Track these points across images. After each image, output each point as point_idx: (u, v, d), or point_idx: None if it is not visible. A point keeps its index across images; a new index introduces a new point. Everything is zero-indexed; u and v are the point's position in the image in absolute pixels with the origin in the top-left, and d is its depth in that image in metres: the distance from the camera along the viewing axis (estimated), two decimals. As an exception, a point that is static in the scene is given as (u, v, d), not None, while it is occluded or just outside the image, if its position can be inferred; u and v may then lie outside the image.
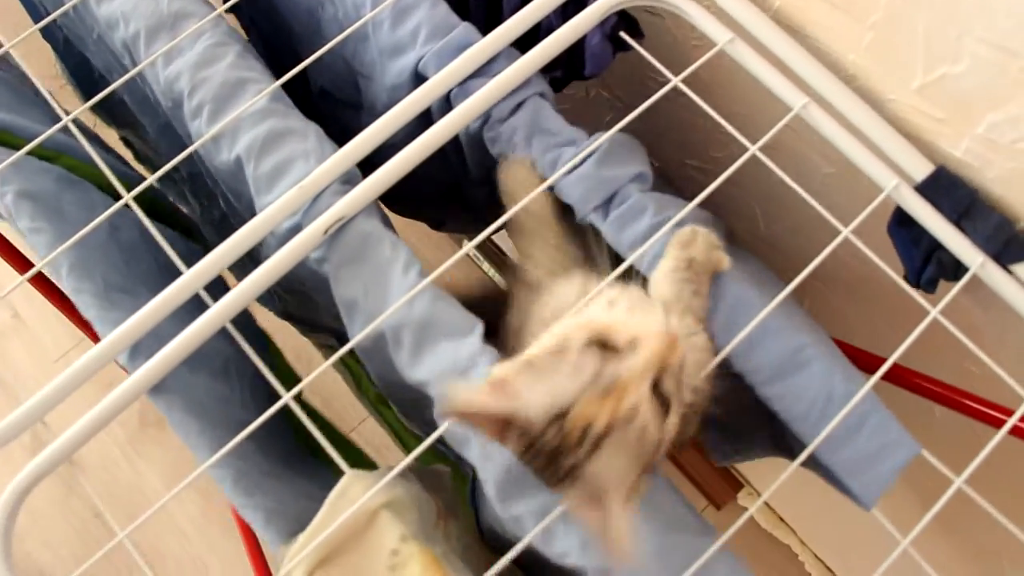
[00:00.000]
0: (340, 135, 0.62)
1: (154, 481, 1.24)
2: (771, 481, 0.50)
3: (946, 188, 0.58)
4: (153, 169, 0.93)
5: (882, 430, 0.51)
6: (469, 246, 0.59)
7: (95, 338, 0.61)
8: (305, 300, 0.81)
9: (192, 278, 0.57)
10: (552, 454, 0.41)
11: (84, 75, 0.90)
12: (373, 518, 0.52)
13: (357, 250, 0.56)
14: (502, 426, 0.42)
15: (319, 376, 0.55)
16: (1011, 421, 0.54)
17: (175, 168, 0.60)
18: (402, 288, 0.54)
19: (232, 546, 1.23)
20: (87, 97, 0.94)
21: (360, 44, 0.70)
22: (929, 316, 0.54)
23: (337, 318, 0.67)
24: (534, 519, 0.50)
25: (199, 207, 0.89)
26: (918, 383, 0.63)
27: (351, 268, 0.56)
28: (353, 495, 0.52)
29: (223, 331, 0.56)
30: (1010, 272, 0.57)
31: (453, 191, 0.82)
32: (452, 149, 0.70)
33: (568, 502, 0.43)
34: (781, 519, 1.27)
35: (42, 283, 0.87)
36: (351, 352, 0.72)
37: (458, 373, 0.52)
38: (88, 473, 1.25)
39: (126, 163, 0.87)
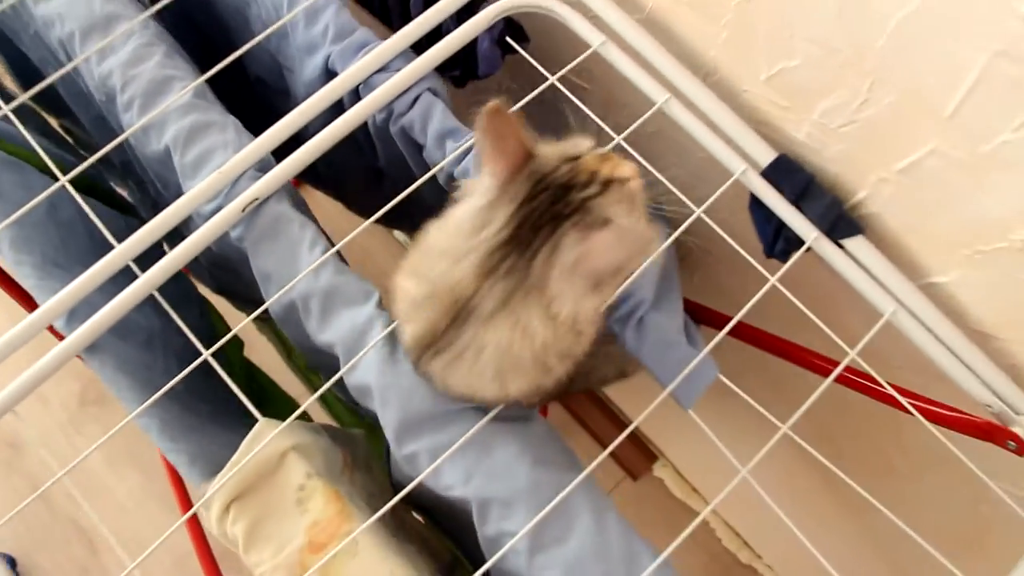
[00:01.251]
0: (275, 118, 0.71)
1: (94, 457, 1.32)
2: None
3: (786, 173, 0.69)
4: (91, 154, 1.01)
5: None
6: (370, 221, 0.68)
7: (32, 308, 0.70)
8: (235, 276, 0.90)
9: (123, 251, 0.66)
10: (562, 187, 0.53)
11: (21, 65, 0.97)
12: (282, 459, 0.62)
13: (270, 228, 0.65)
14: (521, 159, 0.54)
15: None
16: (836, 370, 0.65)
17: (110, 156, 0.69)
18: (308, 262, 0.64)
19: (171, 521, 1.31)
20: (25, 85, 1.02)
21: (282, 40, 0.79)
22: (768, 283, 0.65)
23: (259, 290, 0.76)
24: (427, 457, 0.60)
25: (137, 190, 0.98)
26: (761, 337, 0.74)
27: (265, 244, 0.66)
28: (263, 437, 0.62)
29: (151, 307, 0.65)
30: (840, 246, 0.68)
31: (374, 184, 0.92)
32: (367, 144, 0.80)
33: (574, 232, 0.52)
34: (694, 489, 1.39)
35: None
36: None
37: (358, 335, 0.61)
38: (28, 451, 1.32)
39: (68, 148, 0.95)
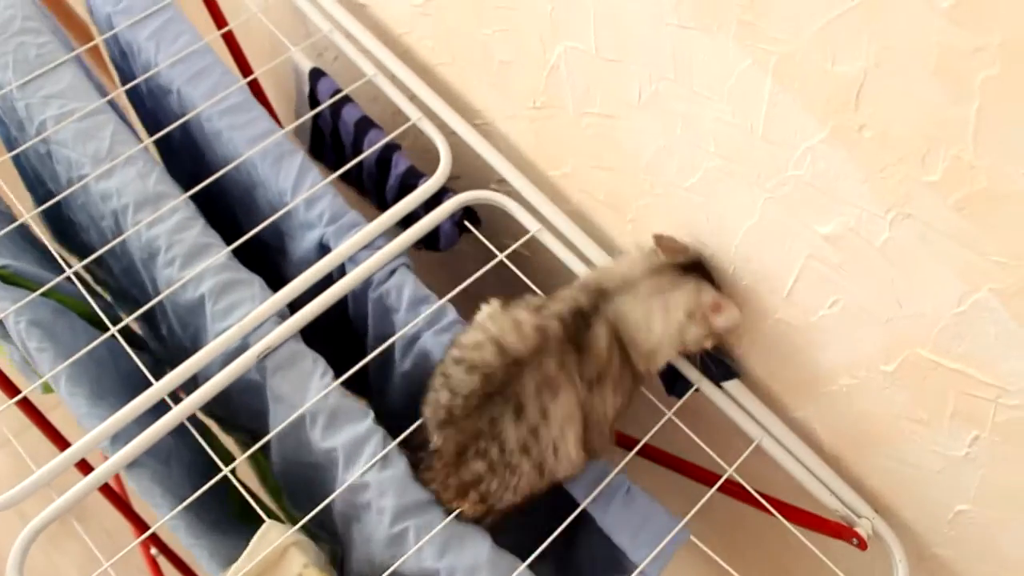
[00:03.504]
0: (272, 270, 0.94)
1: (70, 573, 1.44)
2: None
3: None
4: (109, 291, 1.23)
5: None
6: (354, 370, 0.91)
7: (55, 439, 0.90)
8: (226, 404, 1.10)
9: (161, 386, 0.87)
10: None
11: (55, 217, 1.20)
12: (284, 552, 0.82)
13: (287, 361, 0.88)
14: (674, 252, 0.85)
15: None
16: (718, 483, 0.89)
17: (138, 299, 0.91)
18: (319, 386, 0.86)
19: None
20: (55, 232, 1.23)
21: (285, 216, 1.03)
22: (665, 417, 0.90)
23: (250, 417, 0.98)
24: (414, 533, 0.81)
25: (147, 327, 1.19)
26: (662, 457, 0.98)
27: (283, 372, 0.88)
28: (270, 536, 0.82)
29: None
30: (721, 388, 0.93)
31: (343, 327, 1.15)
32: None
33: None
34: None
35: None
36: (260, 450, 1.03)
37: (358, 442, 0.83)
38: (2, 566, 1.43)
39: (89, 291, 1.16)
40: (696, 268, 0.86)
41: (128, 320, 0.89)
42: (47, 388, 1.11)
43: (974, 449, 0.76)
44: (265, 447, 1.10)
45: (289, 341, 0.90)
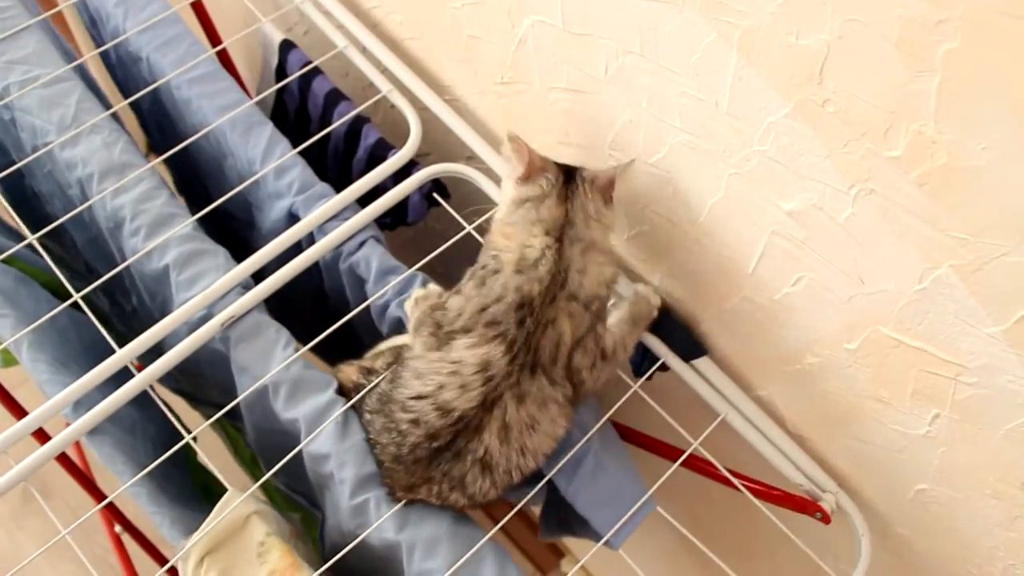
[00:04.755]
0: (241, 244, 0.93)
1: (32, 551, 1.43)
2: (589, 548, 0.82)
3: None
4: (68, 268, 1.21)
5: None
6: (325, 334, 0.91)
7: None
8: (196, 379, 1.10)
9: (124, 353, 0.86)
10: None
11: (17, 188, 1.18)
12: (246, 521, 0.81)
13: (251, 332, 0.87)
14: (534, 167, 0.81)
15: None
16: (683, 456, 0.89)
17: (100, 271, 0.90)
18: (281, 357, 0.85)
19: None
20: (16, 205, 1.21)
21: (253, 186, 1.02)
22: (631, 390, 0.90)
23: (222, 392, 0.97)
24: (375, 504, 0.80)
25: (109, 302, 1.18)
26: (627, 433, 0.98)
27: (244, 344, 0.87)
28: (232, 503, 0.81)
29: (132, 400, 0.85)
30: (690, 364, 0.93)
31: (319, 303, 1.14)
32: (316, 271, 1.03)
33: None
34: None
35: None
36: (231, 420, 1.01)
37: (319, 413, 0.83)
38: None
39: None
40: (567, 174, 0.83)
41: (93, 286, 0.88)
42: (8, 360, 1.09)
43: (934, 428, 0.76)
44: (236, 418, 1.10)
45: (253, 311, 0.89)
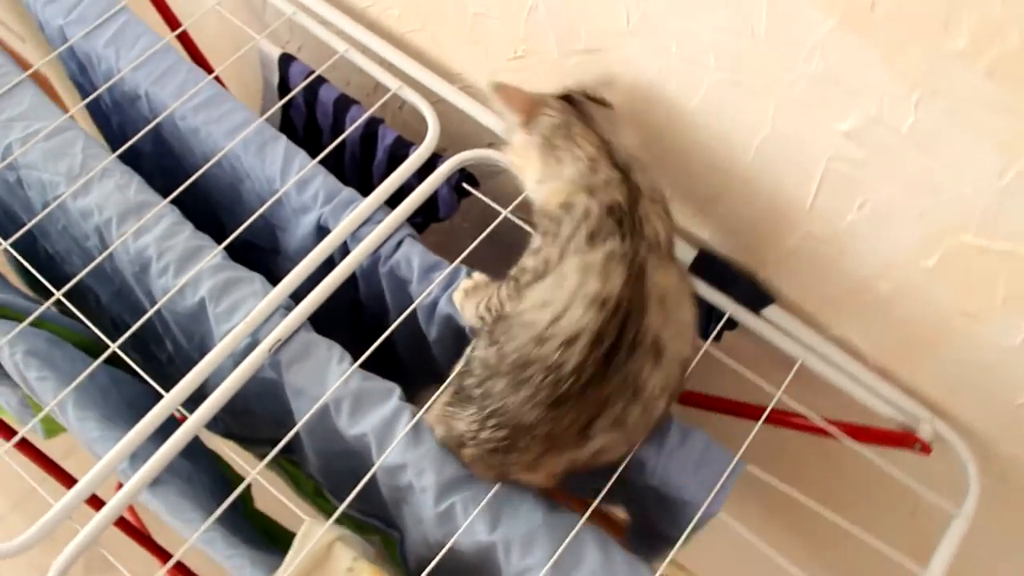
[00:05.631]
0: (267, 276, 0.90)
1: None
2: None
3: (707, 264, 0.92)
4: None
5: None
6: (373, 347, 0.87)
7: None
8: (246, 417, 1.06)
9: (172, 397, 0.82)
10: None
11: (31, 254, 1.15)
12: (330, 549, 0.78)
13: (301, 351, 0.84)
14: (531, 105, 0.78)
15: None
16: (769, 407, 0.85)
17: (130, 324, 0.86)
18: (337, 372, 0.82)
19: None
20: (24, 272, 1.18)
21: (276, 206, 0.99)
22: (702, 350, 0.86)
23: (275, 426, 0.93)
24: (461, 508, 0.77)
25: (142, 359, 1.15)
26: (703, 400, 0.94)
27: (298, 364, 0.84)
28: (313, 534, 0.78)
29: (183, 453, 0.81)
30: (759, 315, 0.90)
31: (354, 315, 1.11)
32: (350, 283, 1.00)
33: None
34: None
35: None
36: (287, 455, 0.97)
37: (387, 424, 0.79)
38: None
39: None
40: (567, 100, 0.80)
41: (126, 336, 0.85)
42: (50, 431, 1.06)
43: (1031, 334, 0.73)
44: (292, 451, 1.07)
45: (300, 331, 0.85)
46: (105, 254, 0.89)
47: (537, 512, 0.76)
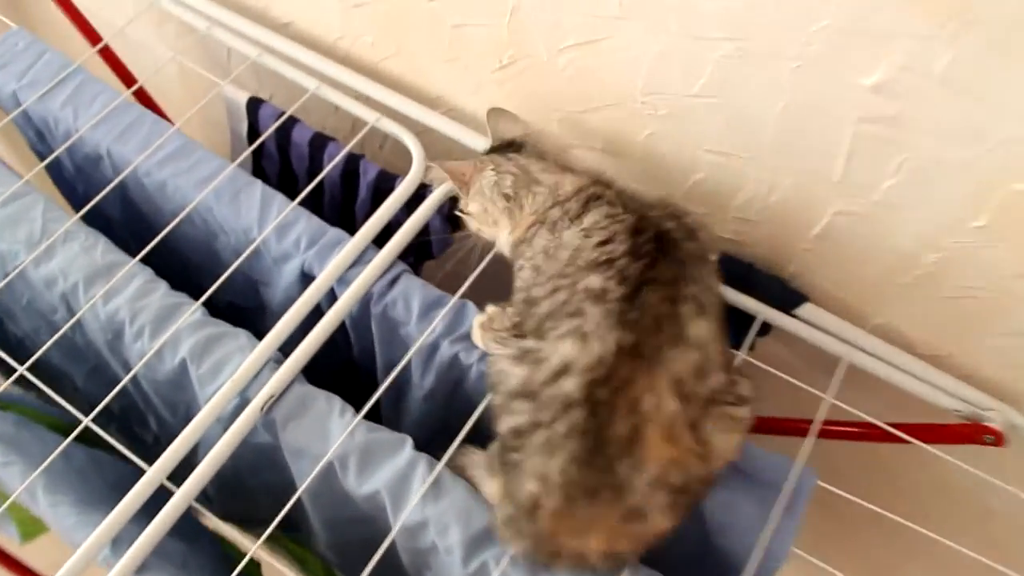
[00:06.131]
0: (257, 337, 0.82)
1: None
2: None
3: (728, 267, 0.84)
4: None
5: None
6: (372, 401, 0.79)
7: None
8: (240, 492, 0.96)
9: (157, 469, 0.73)
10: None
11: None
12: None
13: (297, 406, 0.75)
14: (473, 168, 0.76)
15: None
16: (820, 412, 0.77)
17: (109, 405, 0.77)
18: (341, 426, 0.73)
19: None
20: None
21: (255, 258, 0.91)
22: (739, 356, 0.78)
23: (274, 500, 0.83)
24: (495, 564, 0.67)
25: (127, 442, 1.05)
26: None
27: (295, 421, 0.75)
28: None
29: (176, 533, 0.71)
30: (793, 315, 0.82)
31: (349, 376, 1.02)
32: (342, 339, 0.91)
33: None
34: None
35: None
36: (290, 533, 0.86)
37: (401, 478, 0.70)
38: None
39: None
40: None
41: (103, 404, 0.76)
42: (27, 533, 0.95)
43: (1103, 289, 0.66)
44: (296, 529, 0.96)
45: (294, 384, 0.77)
46: (73, 320, 0.81)
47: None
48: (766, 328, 0.83)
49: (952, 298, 0.74)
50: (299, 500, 0.81)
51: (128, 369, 0.86)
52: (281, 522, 0.73)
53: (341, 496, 0.76)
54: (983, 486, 0.73)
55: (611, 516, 0.60)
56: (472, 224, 0.80)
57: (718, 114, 0.75)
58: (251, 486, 0.92)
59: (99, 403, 1.02)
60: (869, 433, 0.79)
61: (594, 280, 0.63)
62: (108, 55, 1.09)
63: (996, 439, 0.75)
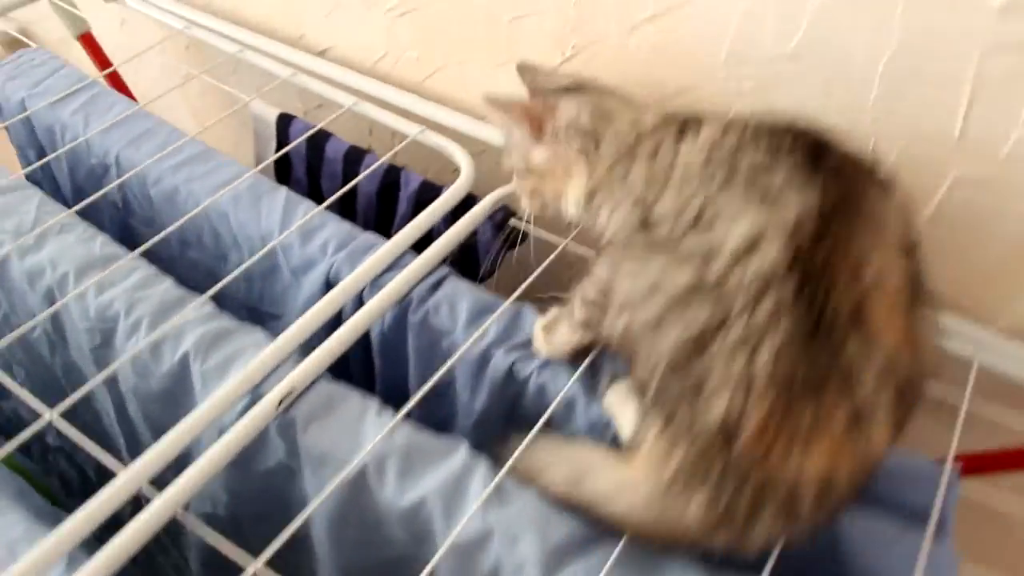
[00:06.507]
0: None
1: None
2: None
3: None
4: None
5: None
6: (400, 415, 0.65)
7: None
8: (246, 526, 0.77)
9: (134, 473, 0.57)
10: None
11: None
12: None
13: (322, 405, 0.61)
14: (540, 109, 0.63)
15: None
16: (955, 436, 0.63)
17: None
18: (378, 425, 0.59)
19: None
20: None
21: (267, 281, 0.79)
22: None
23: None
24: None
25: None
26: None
27: (319, 422, 0.60)
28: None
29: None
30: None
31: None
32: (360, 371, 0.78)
33: None
34: None
35: None
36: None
37: (455, 483, 0.55)
38: None
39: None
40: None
41: (67, 403, 0.60)
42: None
43: None
44: (302, 563, 0.76)
45: (320, 381, 0.63)
46: (54, 308, 0.68)
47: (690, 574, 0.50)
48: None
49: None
50: (310, 539, 0.65)
51: (114, 388, 0.72)
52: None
53: (372, 520, 0.60)
54: None
55: (839, 418, 0.45)
56: (527, 191, 0.68)
57: (814, 76, 0.67)
58: (247, 520, 0.74)
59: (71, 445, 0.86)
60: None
61: (754, 156, 0.52)
62: (116, 80, 1.02)
63: None
